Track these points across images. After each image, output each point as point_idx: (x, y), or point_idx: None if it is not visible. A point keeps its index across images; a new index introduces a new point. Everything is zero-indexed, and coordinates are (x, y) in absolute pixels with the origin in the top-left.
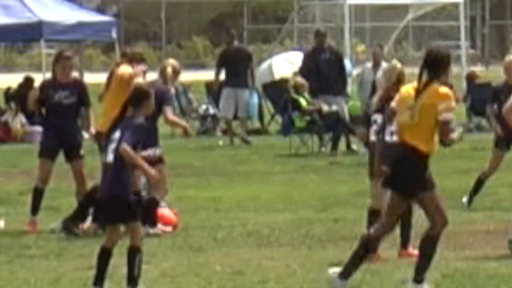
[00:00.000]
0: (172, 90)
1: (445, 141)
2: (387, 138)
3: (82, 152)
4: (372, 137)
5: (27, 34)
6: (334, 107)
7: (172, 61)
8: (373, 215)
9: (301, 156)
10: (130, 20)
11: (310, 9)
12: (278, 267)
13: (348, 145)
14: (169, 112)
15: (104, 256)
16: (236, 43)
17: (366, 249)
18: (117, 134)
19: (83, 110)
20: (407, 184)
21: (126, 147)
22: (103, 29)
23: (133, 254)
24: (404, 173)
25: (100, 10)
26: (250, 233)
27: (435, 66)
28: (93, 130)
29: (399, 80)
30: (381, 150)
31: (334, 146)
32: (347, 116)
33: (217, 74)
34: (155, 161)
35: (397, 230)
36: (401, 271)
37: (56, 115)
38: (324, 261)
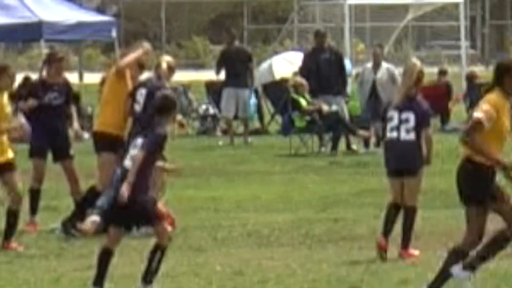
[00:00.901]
0: (167, 85)
1: (466, 136)
2: (403, 135)
3: (71, 151)
4: (388, 134)
5: (27, 34)
6: (334, 107)
7: (167, 58)
8: (392, 210)
9: (301, 156)
10: (130, 20)
11: (310, 9)
12: (278, 267)
13: (348, 145)
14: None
15: (105, 256)
16: (237, 43)
17: (500, 245)
18: (139, 141)
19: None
20: (470, 192)
21: (140, 156)
22: (103, 29)
23: (155, 251)
24: (463, 182)
25: (100, 10)
26: (250, 233)
27: (496, 74)
28: (76, 125)
29: (418, 78)
30: (397, 147)
31: (334, 146)
32: (347, 116)
33: (217, 72)
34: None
35: (396, 230)
36: (401, 271)
37: (46, 116)
38: (324, 261)
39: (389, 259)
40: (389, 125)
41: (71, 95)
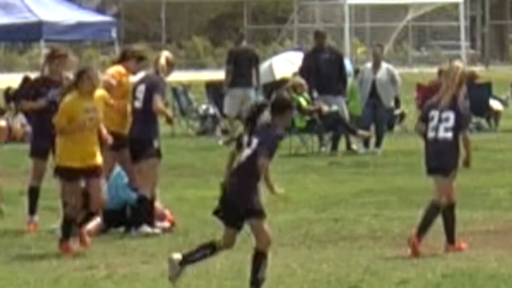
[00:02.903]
0: (165, 80)
1: None
2: (441, 134)
3: None
4: (429, 134)
5: (27, 34)
6: (334, 107)
7: (166, 53)
8: (445, 211)
9: (301, 156)
10: (130, 20)
11: (310, 9)
12: (278, 267)
13: (348, 145)
14: (157, 101)
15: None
16: (244, 43)
17: None
18: (254, 141)
19: None
20: None
21: (264, 162)
22: (103, 29)
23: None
24: None
25: (100, 10)
26: (250, 233)
27: None
28: None
29: (461, 80)
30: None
31: (334, 146)
32: (347, 116)
33: (228, 72)
34: (152, 154)
35: (395, 231)
36: (401, 271)
37: (49, 114)
38: (324, 261)
39: (389, 259)
40: (430, 125)
41: None
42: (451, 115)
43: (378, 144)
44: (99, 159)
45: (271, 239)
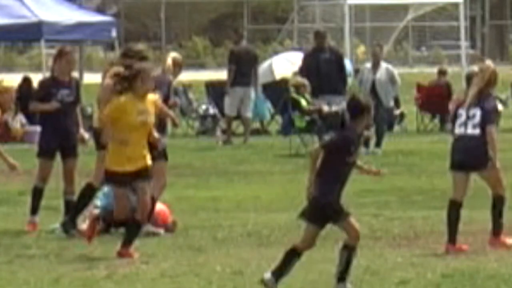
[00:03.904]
0: (170, 80)
1: None
2: (469, 130)
3: (77, 151)
4: (457, 130)
5: (27, 34)
6: (334, 107)
7: (173, 54)
8: (453, 209)
9: (301, 156)
10: (130, 20)
11: (310, 9)
12: None
13: None
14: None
15: (291, 255)
16: (244, 43)
17: None
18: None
19: (83, 110)
20: None
21: (313, 151)
22: (103, 29)
23: (344, 250)
24: None
25: (100, 10)
26: (250, 233)
27: None
28: (81, 130)
29: (490, 80)
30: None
31: None
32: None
33: (230, 71)
34: (158, 155)
35: (395, 231)
36: (401, 271)
37: (58, 114)
38: (324, 261)
39: (389, 259)
40: (458, 122)
41: (80, 92)
42: (477, 112)
43: (378, 144)
44: (148, 161)
45: (359, 233)
